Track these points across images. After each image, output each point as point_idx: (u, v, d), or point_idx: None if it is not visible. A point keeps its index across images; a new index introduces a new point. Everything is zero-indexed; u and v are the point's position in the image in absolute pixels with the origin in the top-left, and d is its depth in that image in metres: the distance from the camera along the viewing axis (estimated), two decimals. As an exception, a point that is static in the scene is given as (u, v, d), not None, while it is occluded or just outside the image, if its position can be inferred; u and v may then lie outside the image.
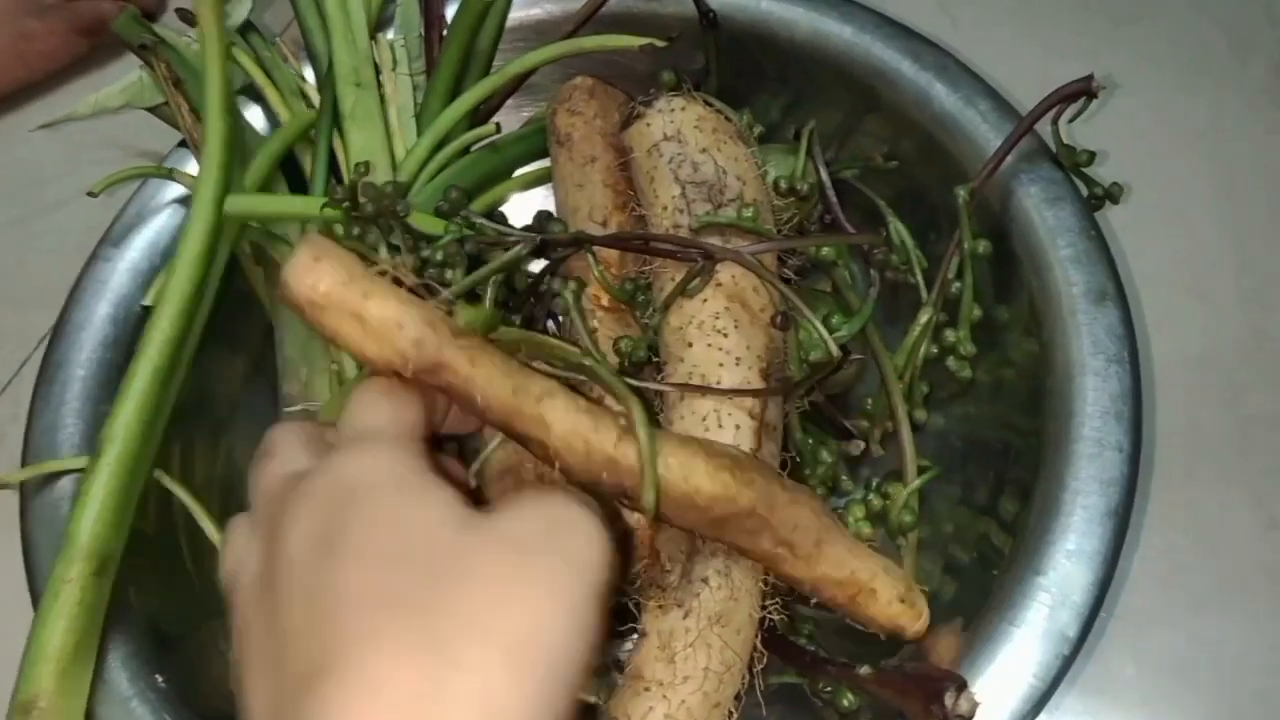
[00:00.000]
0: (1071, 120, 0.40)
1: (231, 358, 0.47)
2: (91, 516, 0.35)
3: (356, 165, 0.41)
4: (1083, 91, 0.39)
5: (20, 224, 0.54)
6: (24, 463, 0.41)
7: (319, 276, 0.30)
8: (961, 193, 0.39)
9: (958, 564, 0.40)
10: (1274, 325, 0.46)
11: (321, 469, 0.29)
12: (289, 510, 0.29)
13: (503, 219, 0.43)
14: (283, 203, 0.43)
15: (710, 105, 0.42)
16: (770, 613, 0.35)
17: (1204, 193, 0.49)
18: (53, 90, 0.57)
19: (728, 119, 0.42)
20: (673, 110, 0.41)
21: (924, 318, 0.39)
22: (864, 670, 0.34)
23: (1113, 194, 0.41)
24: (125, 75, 0.45)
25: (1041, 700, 0.32)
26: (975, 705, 0.32)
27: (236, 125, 0.41)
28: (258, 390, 0.46)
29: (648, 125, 0.41)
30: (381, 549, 0.27)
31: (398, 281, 0.32)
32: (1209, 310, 0.47)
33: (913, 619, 0.35)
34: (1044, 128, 0.41)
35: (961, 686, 0.32)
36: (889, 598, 0.35)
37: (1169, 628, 0.41)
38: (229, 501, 0.45)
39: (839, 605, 0.35)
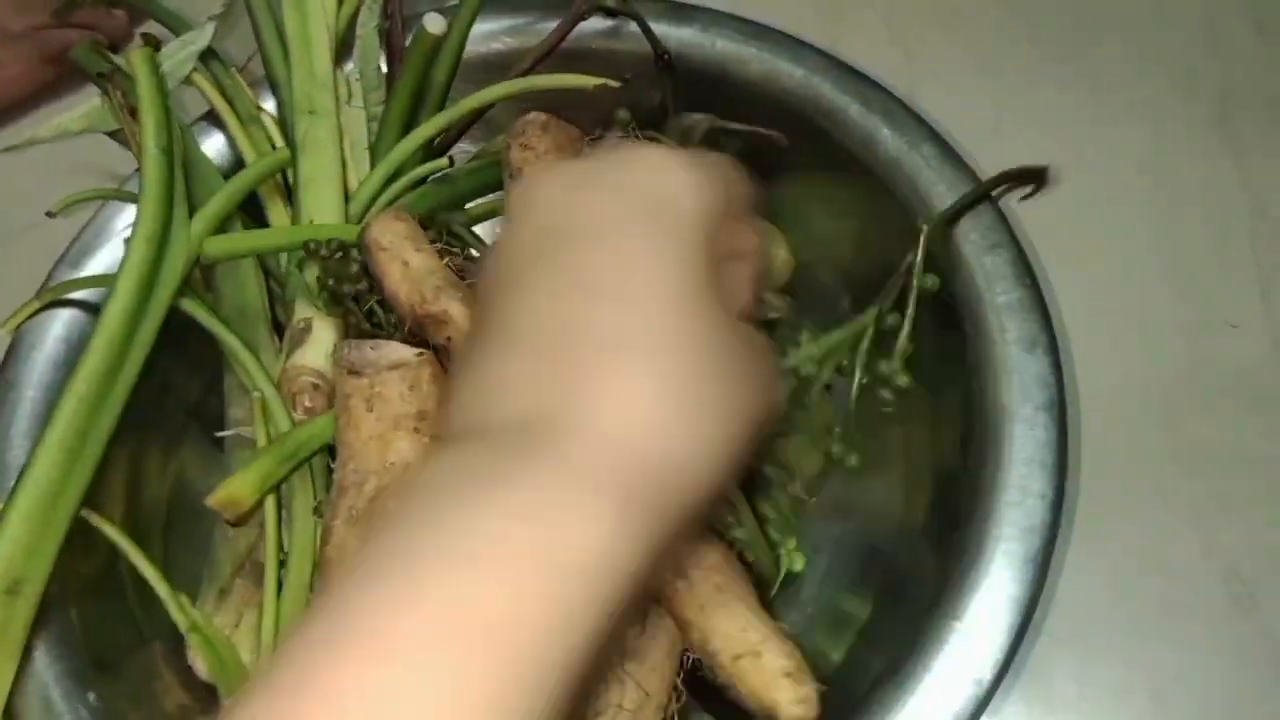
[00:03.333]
0: (1021, 199, 0.41)
1: (187, 379, 0.47)
2: (6, 539, 0.36)
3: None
4: (1036, 178, 0.40)
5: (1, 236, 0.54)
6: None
7: (393, 229, 0.41)
8: (924, 226, 0.40)
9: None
10: (1212, 354, 0.47)
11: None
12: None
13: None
14: (259, 238, 0.45)
15: (667, 142, 0.43)
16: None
17: (1145, 223, 0.50)
18: (21, 117, 0.57)
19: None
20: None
21: (863, 345, 0.40)
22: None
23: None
24: (89, 99, 0.46)
25: (953, 744, 0.33)
26: None
27: (174, 160, 0.42)
28: (210, 412, 0.47)
29: None
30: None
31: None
32: (1148, 339, 0.47)
33: (792, 699, 0.32)
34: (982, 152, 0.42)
35: None
36: (775, 668, 0.32)
37: (1109, 651, 0.42)
38: (177, 519, 0.46)
39: (720, 665, 0.33)
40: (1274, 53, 0.53)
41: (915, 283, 0.40)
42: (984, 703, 0.33)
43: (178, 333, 0.42)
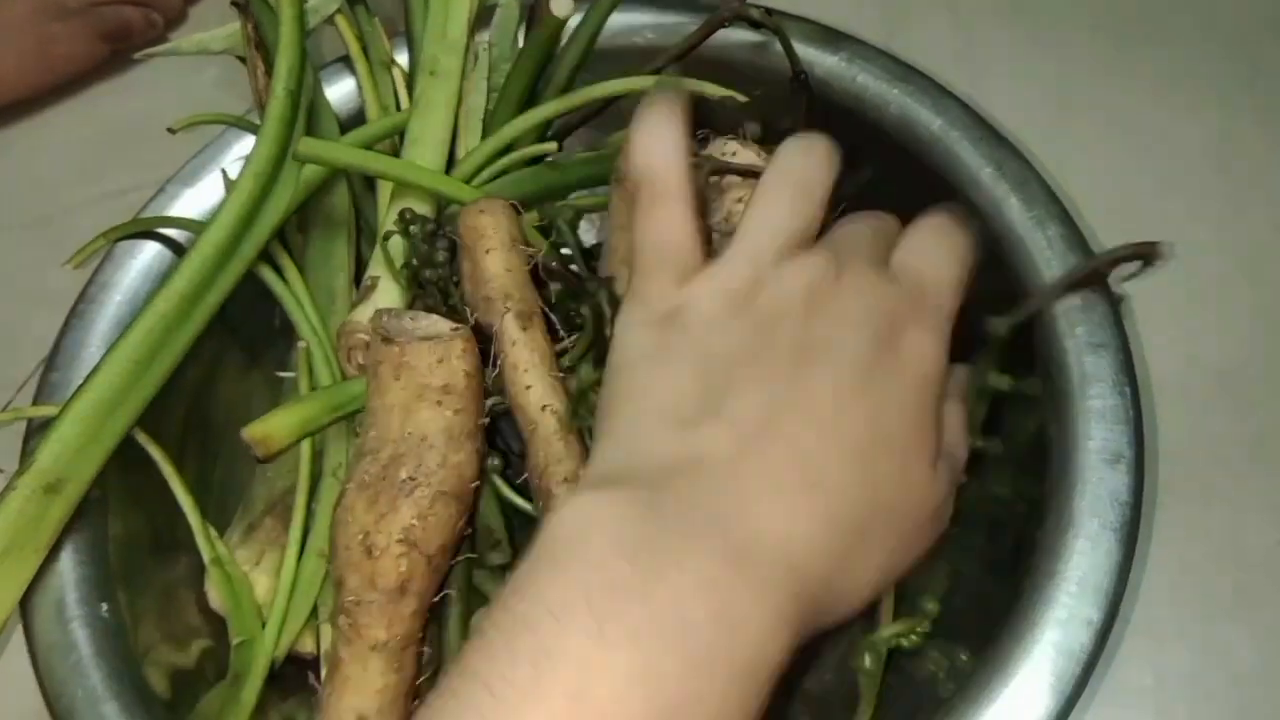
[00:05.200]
0: (1126, 279, 0.38)
1: (270, 310, 0.48)
2: (56, 437, 0.37)
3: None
4: (1146, 255, 0.37)
5: (40, 225, 0.55)
6: (41, 381, 0.43)
7: (475, 223, 0.40)
8: (998, 326, 0.38)
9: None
10: None
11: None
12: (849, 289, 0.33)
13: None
14: (351, 153, 0.44)
15: (764, 154, 0.42)
16: None
17: (1215, 210, 0.49)
18: (74, 95, 0.58)
19: None
20: (724, 154, 0.42)
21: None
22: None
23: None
24: (144, 74, 0.47)
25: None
26: None
27: (298, 105, 0.42)
28: (281, 353, 0.47)
29: (696, 169, 0.41)
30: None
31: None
32: (1222, 328, 0.47)
33: None
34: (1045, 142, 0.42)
35: None
36: None
37: (1184, 639, 0.42)
38: (223, 451, 0.47)
39: None
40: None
41: (990, 381, 0.38)
42: None
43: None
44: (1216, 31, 0.54)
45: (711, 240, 0.38)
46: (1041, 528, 0.36)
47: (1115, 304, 0.39)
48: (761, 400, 0.31)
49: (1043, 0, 0.56)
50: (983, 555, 0.40)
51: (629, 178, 0.36)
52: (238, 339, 0.47)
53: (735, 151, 0.42)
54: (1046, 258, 0.40)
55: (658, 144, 0.36)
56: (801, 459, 0.30)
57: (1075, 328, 0.39)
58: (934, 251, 0.36)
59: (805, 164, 0.35)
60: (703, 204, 0.38)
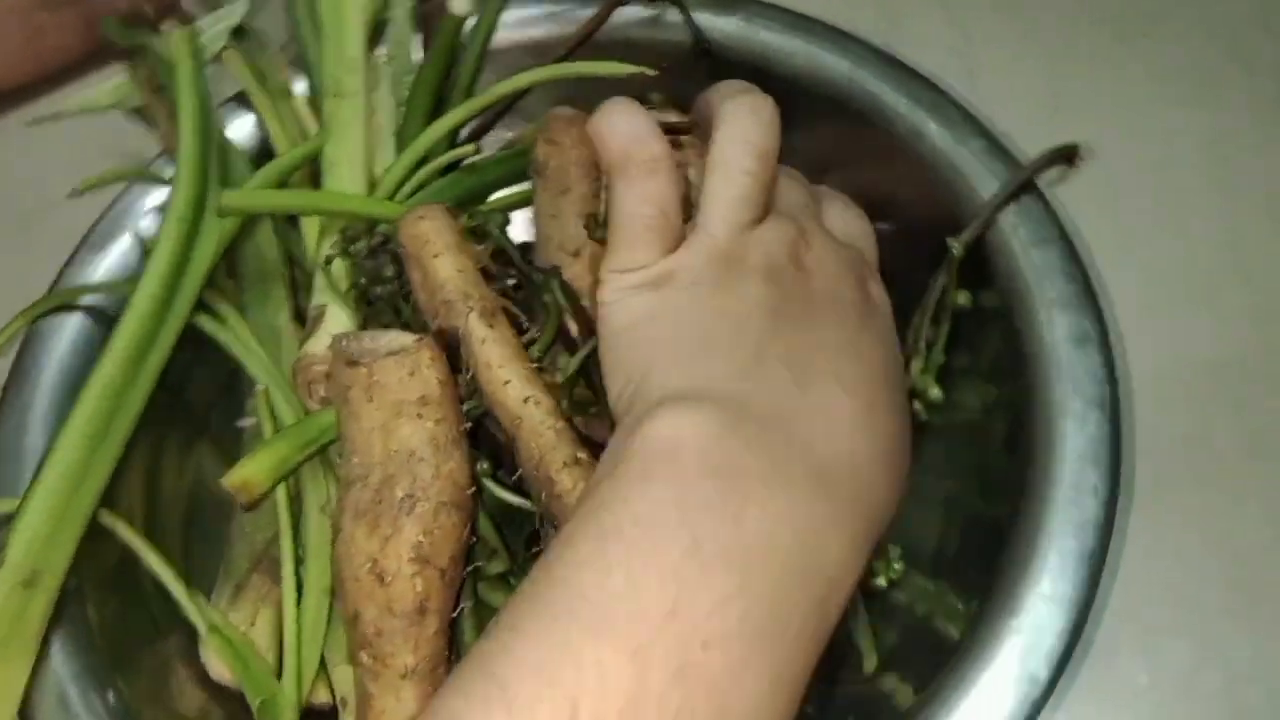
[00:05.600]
0: (1051, 185, 0.41)
1: (209, 373, 0.46)
2: (25, 528, 0.35)
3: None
4: (1067, 158, 0.41)
5: (25, 218, 0.54)
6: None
7: (415, 230, 0.39)
8: (955, 246, 0.39)
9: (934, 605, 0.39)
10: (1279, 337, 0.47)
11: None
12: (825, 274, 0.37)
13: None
14: (277, 197, 0.43)
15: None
16: None
17: (1209, 204, 0.50)
18: (64, 85, 0.57)
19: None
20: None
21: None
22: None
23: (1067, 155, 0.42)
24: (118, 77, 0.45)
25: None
26: None
27: (210, 143, 0.41)
28: (231, 405, 0.46)
29: None
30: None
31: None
32: (1217, 321, 0.47)
33: None
34: (1040, 133, 0.42)
35: None
36: None
37: (1180, 636, 0.42)
38: (195, 515, 0.45)
39: None
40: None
41: (948, 303, 0.40)
42: (1040, 702, 0.32)
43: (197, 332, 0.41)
44: (1211, 27, 0.55)
45: None
46: (1029, 417, 0.37)
47: (1048, 202, 0.41)
48: (796, 341, 0.33)
49: (1038, -5, 0.57)
50: (977, 475, 0.41)
51: (606, 160, 0.38)
52: (177, 406, 0.45)
53: (676, 117, 0.42)
54: (975, 170, 0.42)
55: (632, 123, 0.38)
56: (849, 388, 0.32)
57: (1018, 229, 0.40)
58: (855, 220, 0.41)
59: (759, 129, 0.37)
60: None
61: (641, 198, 0.36)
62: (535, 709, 0.25)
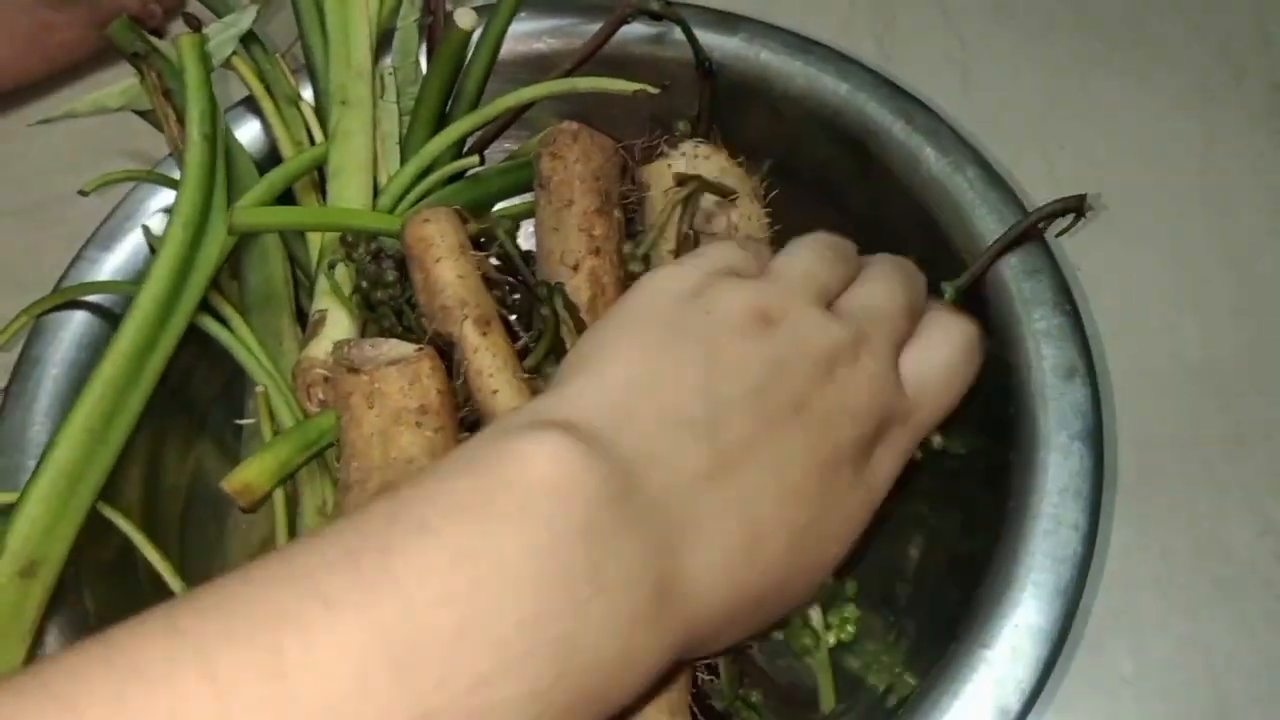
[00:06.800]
0: (1059, 235, 0.41)
1: (210, 369, 0.47)
2: (24, 519, 0.36)
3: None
4: (1074, 209, 0.40)
5: (34, 211, 0.55)
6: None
7: (420, 233, 0.39)
8: (948, 290, 0.40)
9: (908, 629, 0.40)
10: (1270, 336, 0.48)
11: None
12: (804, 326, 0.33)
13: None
14: (287, 215, 0.44)
15: (731, 159, 0.43)
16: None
17: (1199, 208, 0.51)
18: (71, 84, 0.58)
19: (745, 175, 0.44)
20: (697, 156, 0.43)
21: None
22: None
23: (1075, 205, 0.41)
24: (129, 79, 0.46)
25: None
26: None
27: (216, 148, 0.41)
28: (232, 402, 0.46)
29: (669, 165, 0.43)
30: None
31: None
32: (1206, 321, 0.49)
33: None
34: (1033, 139, 0.42)
35: None
36: None
37: (1165, 629, 0.43)
38: (192, 511, 0.45)
39: None
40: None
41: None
42: (1010, 734, 0.33)
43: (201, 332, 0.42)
44: (1203, 35, 0.56)
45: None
46: (1013, 449, 0.38)
47: (1043, 239, 0.41)
48: (748, 440, 0.30)
49: (1032, 1, 0.58)
50: (961, 508, 0.42)
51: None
52: (178, 402, 0.46)
53: (708, 155, 0.43)
54: (970, 199, 0.43)
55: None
56: (753, 524, 0.30)
57: (1009, 259, 0.41)
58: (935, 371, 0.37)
59: (907, 288, 0.37)
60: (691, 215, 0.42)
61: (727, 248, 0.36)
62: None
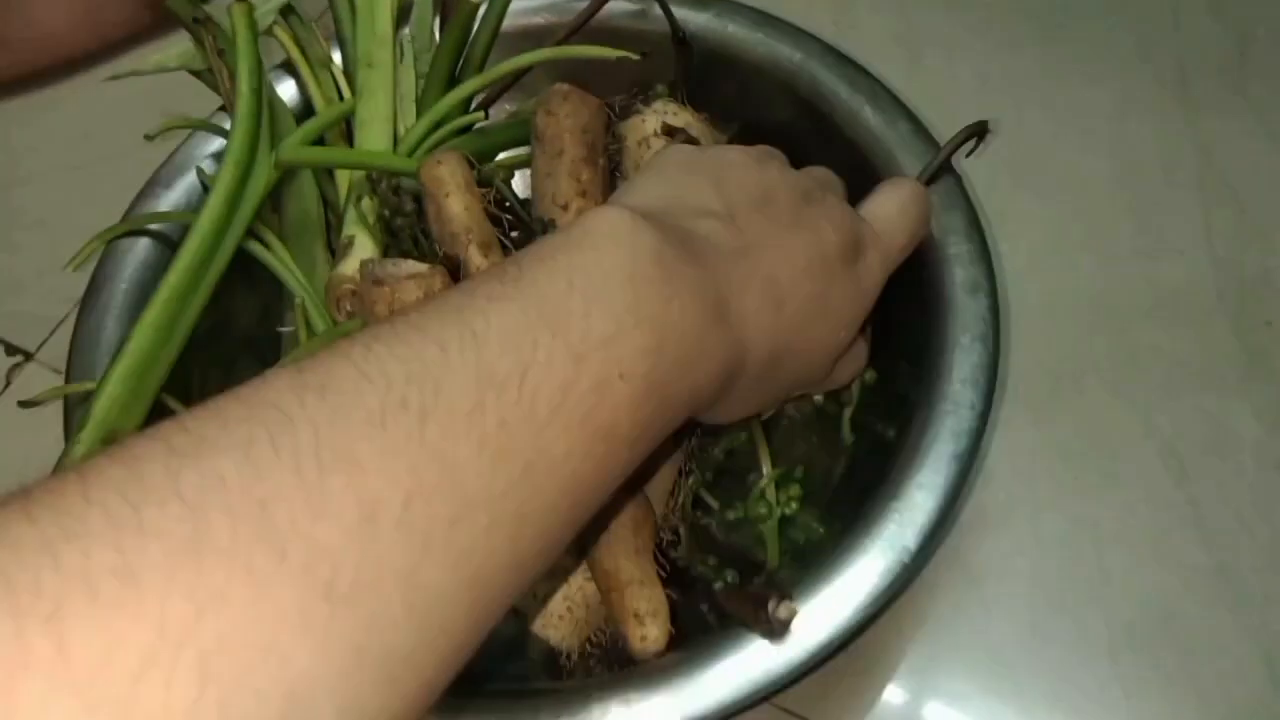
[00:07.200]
0: (968, 156, 0.49)
1: (249, 295, 0.54)
2: (106, 396, 0.43)
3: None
4: (978, 133, 0.48)
5: (87, 167, 0.62)
6: (69, 364, 0.48)
7: (434, 173, 0.46)
8: None
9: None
10: (1162, 275, 0.56)
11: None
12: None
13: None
14: (326, 154, 0.52)
15: (697, 116, 0.51)
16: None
17: (1106, 168, 0.60)
18: (121, 56, 0.64)
19: (708, 130, 0.51)
20: (667, 113, 0.50)
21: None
22: (718, 586, 0.44)
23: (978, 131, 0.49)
24: (184, 38, 0.53)
25: (883, 596, 0.40)
26: (793, 612, 0.39)
27: (262, 100, 0.49)
28: (269, 330, 0.54)
29: (643, 120, 0.50)
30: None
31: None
32: (1105, 261, 0.57)
33: (637, 637, 0.41)
34: (968, 110, 0.51)
35: (783, 597, 0.39)
36: (631, 607, 0.41)
37: (1058, 508, 0.51)
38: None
39: (600, 588, 0.43)
40: (1226, 30, 0.64)
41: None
42: (912, 567, 0.40)
43: (244, 262, 0.49)
44: (1125, 20, 0.65)
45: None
46: (928, 347, 0.45)
47: (957, 174, 0.49)
48: (760, 229, 0.39)
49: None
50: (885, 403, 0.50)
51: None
52: (231, 328, 0.53)
53: (676, 112, 0.51)
54: (902, 148, 0.50)
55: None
56: (772, 284, 0.38)
57: (930, 195, 0.48)
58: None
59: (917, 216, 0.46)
60: None
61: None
62: None
